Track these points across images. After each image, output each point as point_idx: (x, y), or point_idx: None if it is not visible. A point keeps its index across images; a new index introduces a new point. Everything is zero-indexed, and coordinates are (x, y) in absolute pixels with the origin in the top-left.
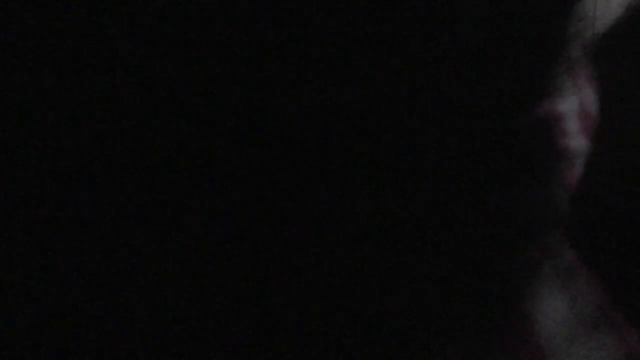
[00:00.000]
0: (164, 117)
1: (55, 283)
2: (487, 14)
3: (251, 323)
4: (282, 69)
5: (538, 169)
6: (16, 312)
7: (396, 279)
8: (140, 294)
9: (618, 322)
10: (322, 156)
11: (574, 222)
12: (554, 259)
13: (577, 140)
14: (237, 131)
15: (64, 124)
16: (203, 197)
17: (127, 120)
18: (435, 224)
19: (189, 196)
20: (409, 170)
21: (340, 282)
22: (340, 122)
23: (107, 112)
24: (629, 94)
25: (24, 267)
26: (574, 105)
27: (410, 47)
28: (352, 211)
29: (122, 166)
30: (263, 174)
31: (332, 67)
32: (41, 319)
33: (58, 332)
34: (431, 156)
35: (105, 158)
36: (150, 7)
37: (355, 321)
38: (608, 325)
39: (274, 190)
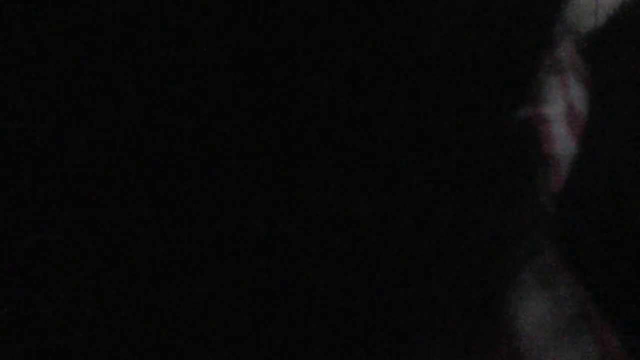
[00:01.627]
0: (165, 116)
1: (56, 282)
2: (470, 15)
3: (250, 322)
4: (278, 69)
5: (522, 172)
6: (16, 312)
7: (377, 279)
8: (140, 294)
9: (597, 325)
10: (314, 153)
11: (558, 223)
12: (537, 261)
13: (564, 143)
14: (239, 130)
15: (64, 123)
16: (204, 197)
17: (130, 119)
18: (417, 224)
19: (190, 195)
20: (392, 170)
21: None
22: (325, 121)
23: (109, 112)
24: (619, 94)
25: (23, 266)
26: (562, 108)
27: (390, 50)
28: (338, 207)
29: (122, 164)
30: (262, 173)
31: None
32: (41, 318)
33: (58, 332)
34: (415, 157)
35: (106, 157)
36: (154, 6)
37: (339, 319)
38: (587, 328)
39: (272, 190)
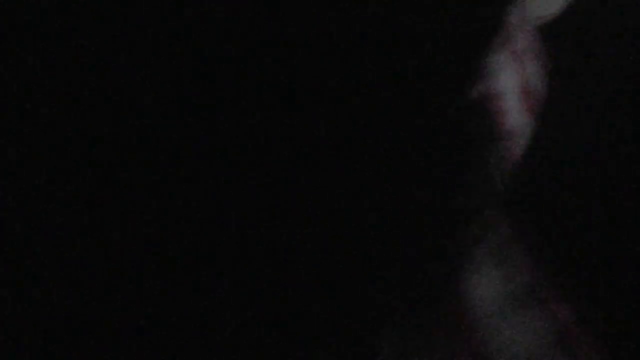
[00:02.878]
0: (167, 116)
1: (60, 280)
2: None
3: (249, 322)
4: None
5: (475, 148)
6: (15, 312)
7: (335, 263)
8: (140, 293)
9: (548, 299)
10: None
11: (512, 198)
12: (491, 237)
13: (517, 118)
14: (239, 130)
15: (66, 121)
16: (204, 197)
17: (131, 118)
18: (373, 205)
19: (191, 195)
20: (346, 151)
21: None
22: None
23: (112, 112)
24: (579, 72)
25: (23, 267)
26: (515, 82)
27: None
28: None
29: (124, 163)
30: (262, 173)
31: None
32: (41, 318)
33: (58, 332)
34: (369, 140)
35: (108, 156)
36: (157, 5)
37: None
38: (536, 302)
39: (271, 191)
